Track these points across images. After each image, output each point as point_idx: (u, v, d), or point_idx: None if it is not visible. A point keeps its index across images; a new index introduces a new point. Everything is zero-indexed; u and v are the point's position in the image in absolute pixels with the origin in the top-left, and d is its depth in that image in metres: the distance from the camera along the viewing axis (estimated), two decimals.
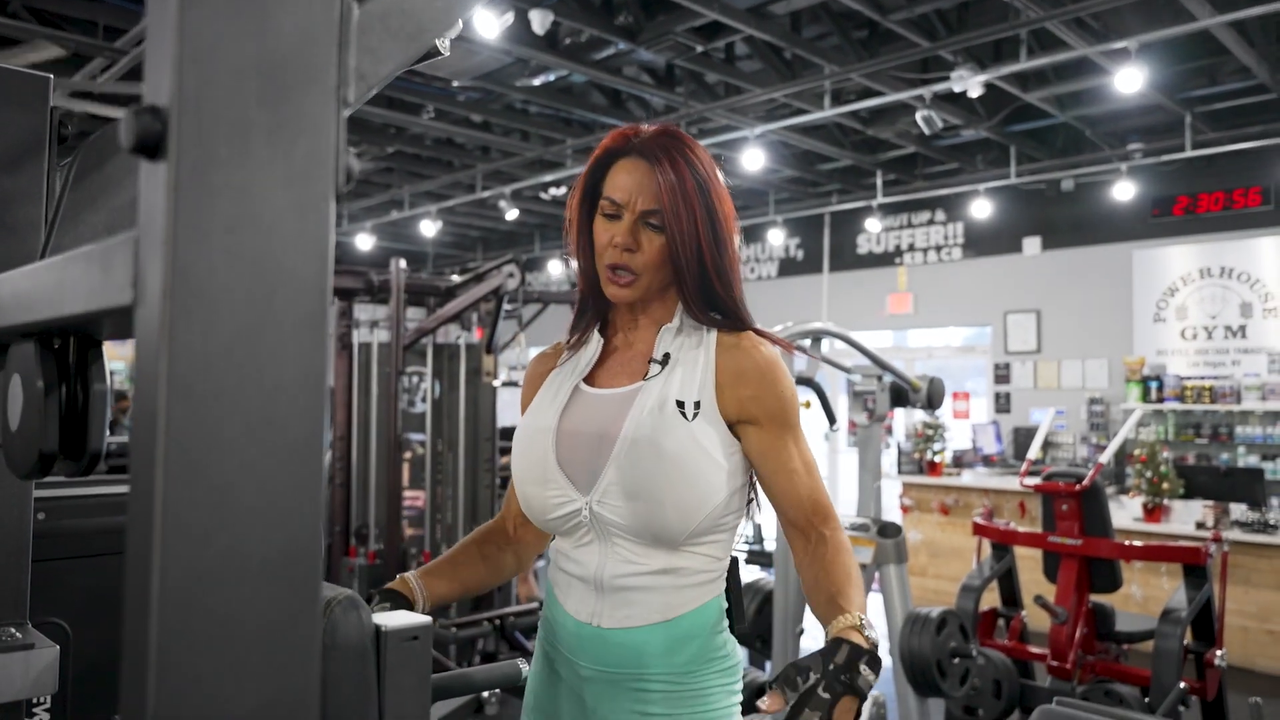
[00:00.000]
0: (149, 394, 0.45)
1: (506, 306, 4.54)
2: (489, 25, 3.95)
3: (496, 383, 4.69)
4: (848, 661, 1.05)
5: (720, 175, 1.31)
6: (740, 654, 1.30)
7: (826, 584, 1.19)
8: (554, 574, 1.32)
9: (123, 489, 1.61)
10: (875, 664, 1.07)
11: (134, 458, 0.46)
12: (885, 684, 3.75)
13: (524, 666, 1.22)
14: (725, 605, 1.27)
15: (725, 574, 1.27)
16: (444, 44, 1.12)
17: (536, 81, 6.18)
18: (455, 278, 5.02)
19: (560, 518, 1.25)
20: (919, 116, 5.94)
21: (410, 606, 1.31)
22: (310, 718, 0.46)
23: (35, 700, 1.18)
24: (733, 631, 1.28)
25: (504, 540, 1.46)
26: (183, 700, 0.43)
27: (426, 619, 0.74)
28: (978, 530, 4.10)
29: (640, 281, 1.26)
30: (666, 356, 1.27)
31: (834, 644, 1.08)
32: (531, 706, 1.34)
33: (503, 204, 8.67)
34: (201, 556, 0.44)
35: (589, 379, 1.33)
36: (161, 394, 0.44)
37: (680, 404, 1.22)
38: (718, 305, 1.29)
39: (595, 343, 1.34)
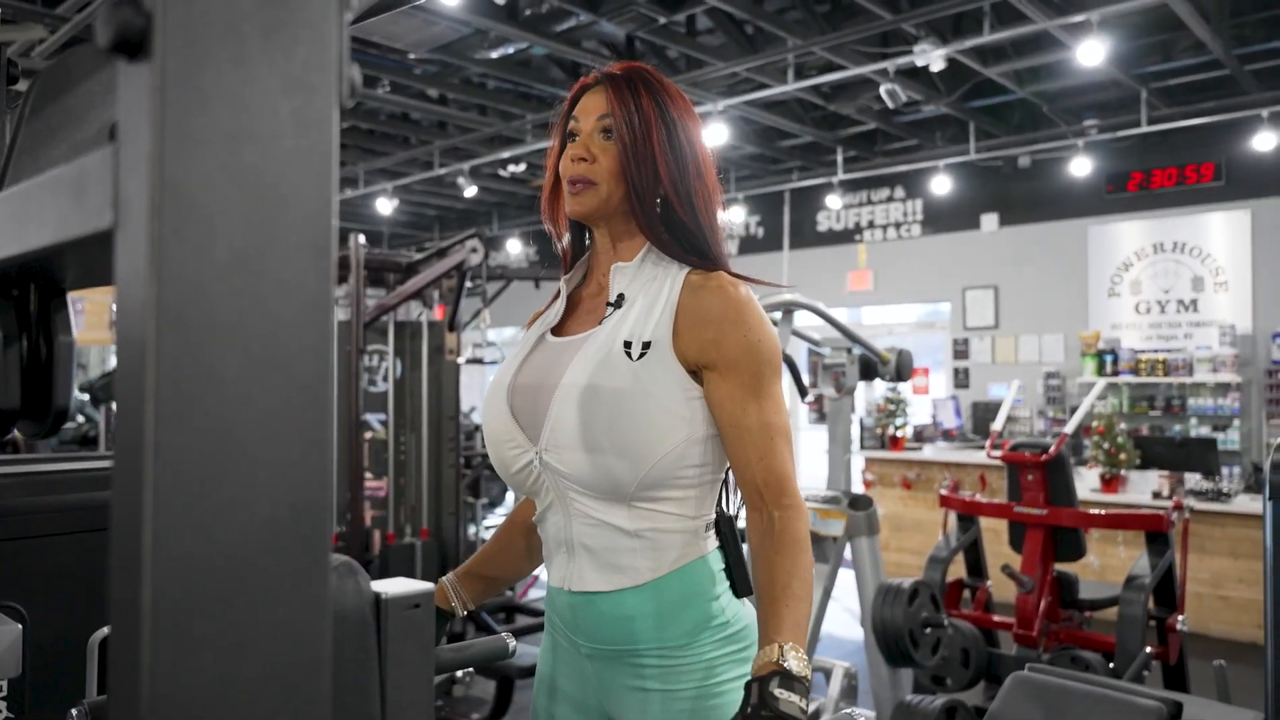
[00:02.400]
0: (134, 328, 0.39)
1: (469, 283, 4.47)
2: None
3: (460, 360, 4.61)
4: (761, 701, 0.98)
5: (698, 123, 1.26)
6: (749, 619, 1.22)
7: (763, 593, 1.11)
8: (543, 544, 1.28)
9: (81, 465, 1.54)
10: (789, 682, 0.99)
11: (120, 401, 0.40)
12: (856, 654, 3.77)
13: (511, 642, 1.18)
14: (721, 567, 1.21)
15: (708, 534, 1.21)
16: None
17: (495, 54, 6.06)
18: (415, 254, 4.93)
19: (519, 472, 1.20)
20: (883, 90, 5.94)
21: (450, 616, 1.29)
22: (322, 686, 0.42)
23: None
24: (736, 594, 1.22)
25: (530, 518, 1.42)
26: (180, 670, 0.38)
27: (429, 585, 0.70)
28: (944, 502, 4.13)
29: (598, 191, 1.20)
30: (620, 298, 1.22)
31: (747, 687, 1.01)
32: (542, 674, 1.31)
33: (461, 181, 8.53)
34: (198, 510, 0.39)
35: (557, 329, 1.29)
36: (150, 326, 0.38)
37: (628, 344, 1.15)
38: (686, 236, 1.22)
39: (563, 292, 1.30)
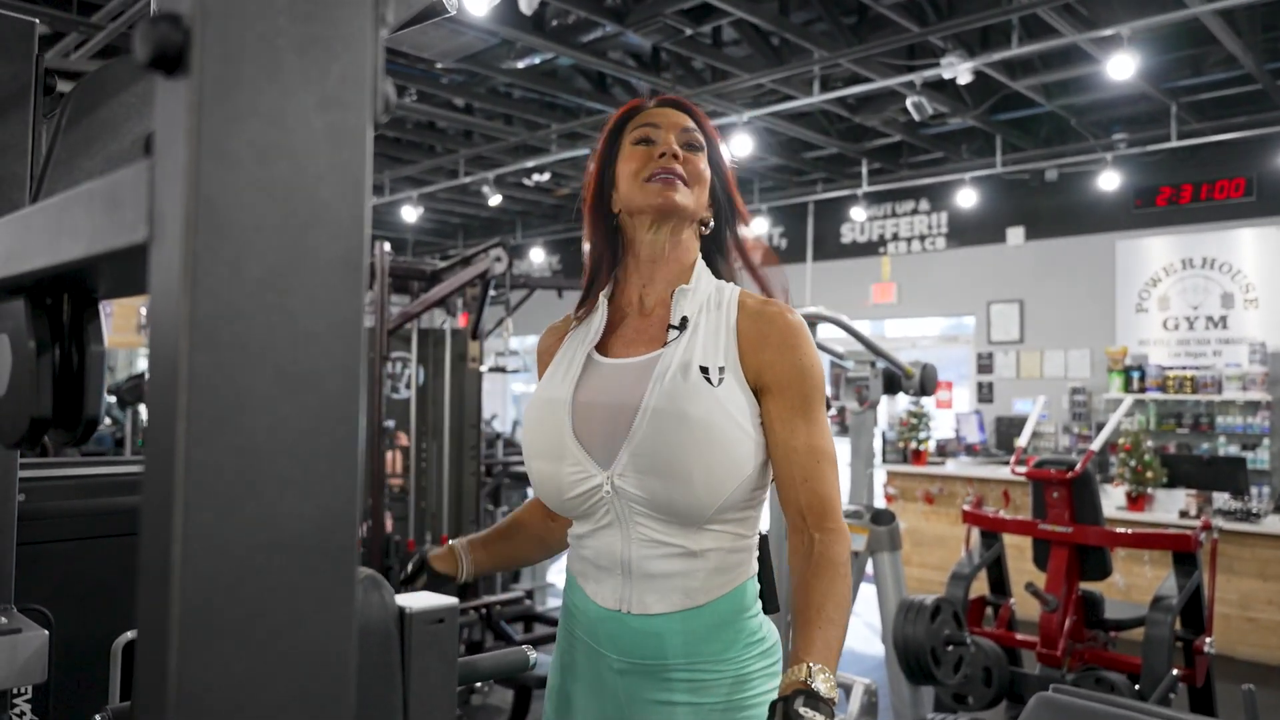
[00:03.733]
0: (167, 343, 0.39)
1: (493, 292, 4.48)
2: (478, 4, 3.87)
3: (482, 369, 4.62)
4: (785, 718, 0.96)
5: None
6: (776, 634, 1.24)
7: (798, 614, 1.10)
8: (573, 561, 1.26)
9: (103, 470, 1.55)
10: (814, 702, 0.97)
11: (151, 414, 0.41)
12: (877, 670, 3.73)
13: (532, 654, 1.18)
14: (759, 587, 1.22)
15: (754, 551, 1.22)
16: (452, 1, 1.06)
17: (521, 64, 6.09)
18: (439, 262, 4.95)
19: (578, 496, 1.19)
20: (909, 103, 5.91)
21: (451, 578, 1.30)
22: (347, 700, 0.41)
23: (16, 690, 1.12)
24: (766, 612, 1.22)
25: (549, 517, 1.42)
26: (206, 683, 0.38)
27: (453, 600, 0.69)
28: (968, 518, 4.09)
29: (689, 191, 1.23)
30: (684, 320, 1.21)
31: (772, 706, 1.00)
32: (553, 688, 1.30)
33: (485, 190, 8.57)
34: (227, 526, 0.39)
35: (602, 348, 1.27)
36: (183, 342, 0.38)
37: (704, 369, 1.16)
38: (742, 256, 1.31)
39: (602, 308, 1.29)
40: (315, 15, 0.42)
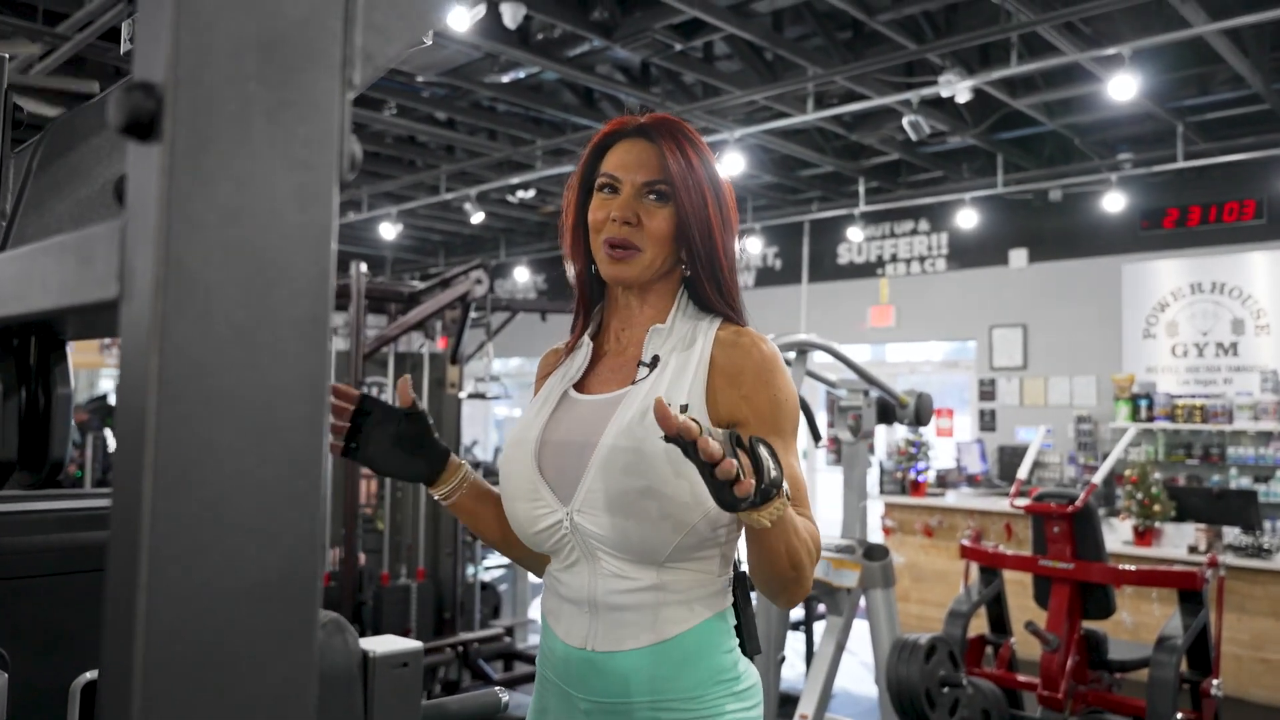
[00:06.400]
0: (135, 397, 0.43)
1: (473, 314, 4.52)
2: (459, 18, 3.93)
3: (462, 395, 4.65)
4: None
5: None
6: (757, 677, 1.27)
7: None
8: (546, 599, 1.30)
9: (65, 504, 1.57)
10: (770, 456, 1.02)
11: (118, 468, 0.44)
12: (871, 713, 3.74)
13: (504, 696, 1.20)
14: (733, 623, 1.25)
15: (727, 590, 1.25)
16: (427, 34, 1.11)
17: (506, 78, 6.16)
18: (417, 283, 4.99)
19: (543, 531, 1.23)
20: (905, 122, 6.00)
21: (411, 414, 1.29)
22: None
23: None
24: (745, 653, 1.25)
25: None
26: None
27: (417, 644, 0.72)
28: (965, 553, 4.13)
29: (642, 258, 1.25)
30: (655, 359, 1.26)
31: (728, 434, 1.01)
32: None
33: (468, 207, 8.63)
34: (193, 575, 0.42)
35: (580, 385, 1.32)
36: (150, 397, 0.42)
37: None
38: (724, 291, 1.29)
39: (586, 347, 1.34)
40: (285, 81, 0.46)
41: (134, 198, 0.44)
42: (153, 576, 0.41)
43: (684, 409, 1.19)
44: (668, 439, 0.96)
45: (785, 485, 1.05)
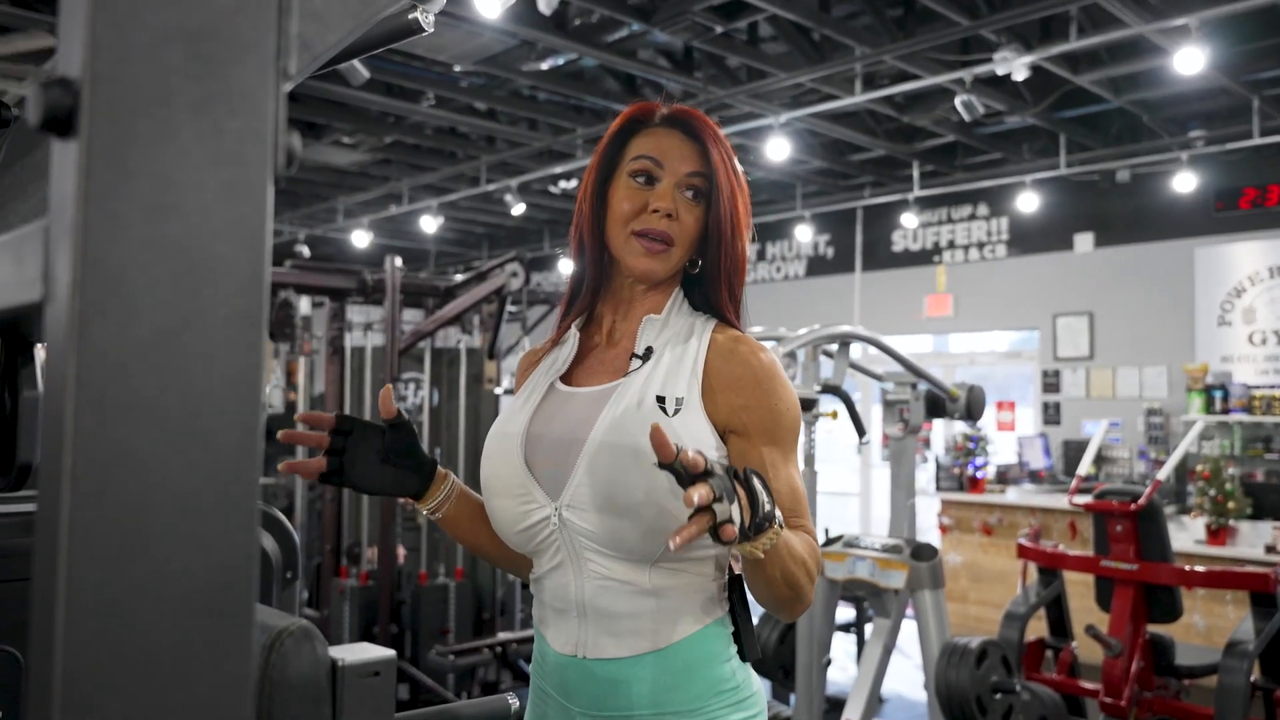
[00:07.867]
0: (56, 402, 0.43)
1: (510, 308, 4.54)
2: (490, 4, 3.94)
3: (499, 390, 4.68)
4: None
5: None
6: (757, 684, 1.26)
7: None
8: (536, 606, 1.30)
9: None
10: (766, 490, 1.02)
11: (41, 474, 0.44)
12: (923, 719, 3.69)
13: (514, 701, 1.20)
14: (732, 630, 1.24)
15: (722, 593, 1.24)
16: (427, 19, 1.09)
17: (544, 66, 6.17)
18: (458, 277, 5.02)
19: (529, 529, 1.22)
20: (958, 102, 5.89)
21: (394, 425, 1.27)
22: None
23: None
24: (744, 659, 1.24)
25: None
26: None
27: (389, 652, 0.72)
28: (1023, 553, 4.05)
29: (674, 255, 1.25)
30: (649, 351, 1.25)
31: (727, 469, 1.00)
32: None
33: (509, 198, 8.67)
34: (112, 586, 0.42)
35: (567, 378, 1.31)
36: (69, 403, 0.42)
37: (660, 399, 1.19)
38: (734, 299, 1.29)
39: (573, 338, 1.32)
40: (211, 74, 0.45)
41: (55, 196, 0.44)
42: (72, 586, 0.41)
43: (679, 402, 1.20)
44: (661, 465, 0.94)
45: (779, 516, 1.03)
